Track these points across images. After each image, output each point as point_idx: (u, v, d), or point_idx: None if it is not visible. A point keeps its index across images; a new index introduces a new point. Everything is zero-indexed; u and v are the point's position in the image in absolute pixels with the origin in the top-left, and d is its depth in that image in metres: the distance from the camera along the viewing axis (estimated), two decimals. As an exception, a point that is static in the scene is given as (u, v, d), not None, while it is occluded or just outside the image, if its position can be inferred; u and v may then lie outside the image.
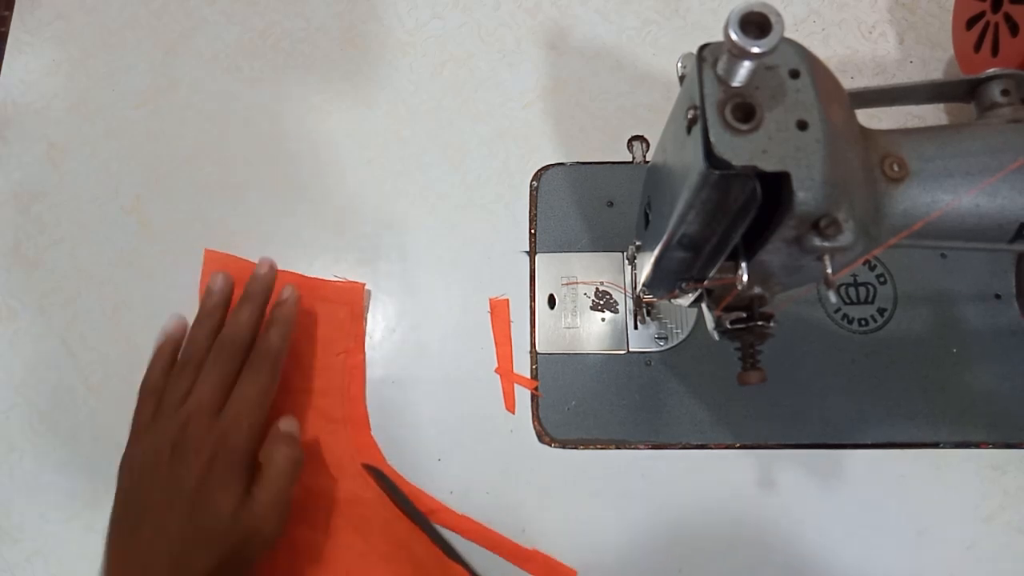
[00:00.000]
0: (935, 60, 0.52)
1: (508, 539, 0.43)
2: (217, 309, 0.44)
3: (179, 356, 0.43)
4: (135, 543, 0.38)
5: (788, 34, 0.23)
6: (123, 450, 0.46)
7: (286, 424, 0.42)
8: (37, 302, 0.50)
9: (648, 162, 0.51)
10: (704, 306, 0.35)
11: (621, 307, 0.48)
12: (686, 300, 0.36)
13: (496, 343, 0.47)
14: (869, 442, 0.45)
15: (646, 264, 0.37)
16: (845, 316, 0.47)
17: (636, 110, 0.52)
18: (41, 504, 0.46)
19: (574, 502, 0.44)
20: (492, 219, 0.50)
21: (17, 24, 0.56)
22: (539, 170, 0.51)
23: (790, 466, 0.45)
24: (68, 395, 0.48)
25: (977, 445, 0.44)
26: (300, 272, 0.49)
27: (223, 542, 0.37)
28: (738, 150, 0.24)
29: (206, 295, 0.44)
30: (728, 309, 0.32)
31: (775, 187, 0.25)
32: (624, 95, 0.52)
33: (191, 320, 0.45)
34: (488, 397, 0.46)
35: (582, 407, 0.46)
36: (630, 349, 0.47)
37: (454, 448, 0.46)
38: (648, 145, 0.51)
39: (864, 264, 0.48)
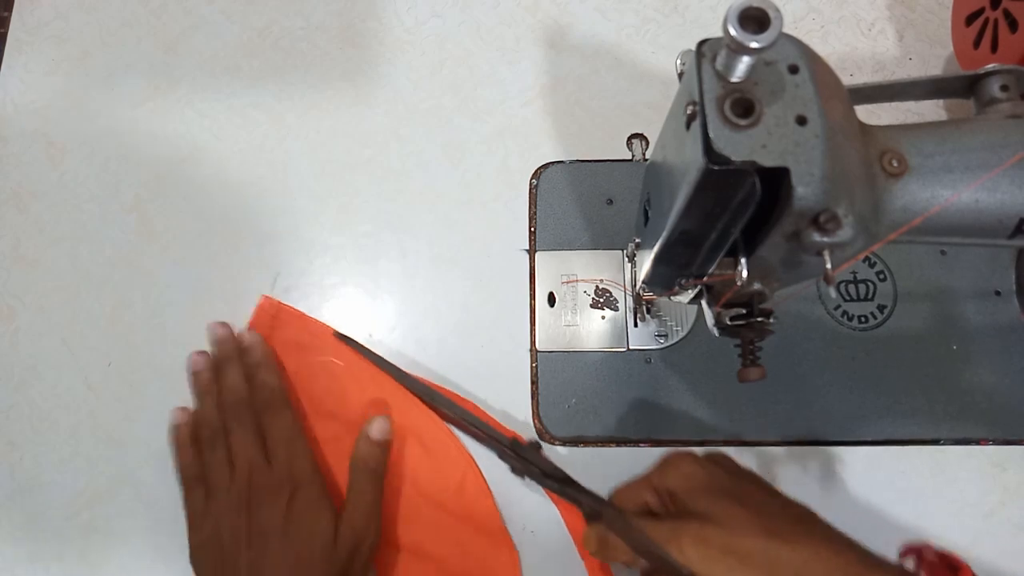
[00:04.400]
0: (934, 57, 0.52)
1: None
2: (211, 384, 0.45)
3: (200, 436, 0.44)
4: None
5: (787, 31, 0.23)
6: (122, 449, 0.46)
7: (369, 426, 0.43)
8: (37, 302, 0.50)
9: (647, 159, 0.51)
10: (704, 303, 0.35)
11: (621, 305, 0.48)
12: (686, 297, 0.36)
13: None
14: (869, 439, 0.45)
15: (646, 261, 0.37)
16: (845, 313, 0.47)
17: (635, 108, 0.52)
18: (41, 504, 0.46)
19: (575, 500, 0.44)
20: (492, 217, 0.50)
21: (17, 24, 0.56)
22: (539, 168, 0.51)
23: (790, 463, 0.45)
24: (68, 395, 0.48)
25: (977, 442, 0.44)
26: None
27: (332, 564, 0.39)
28: (737, 145, 0.24)
29: (193, 377, 0.46)
30: (728, 305, 0.32)
31: (774, 182, 0.25)
32: (623, 93, 0.52)
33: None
34: (487, 395, 0.46)
35: (582, 405, 0.46)
36: (630, 347, 0.47)
37: (454, 446, 0.46)
38: (647, 143, 0.51)
39: (864, 261, 0.48)
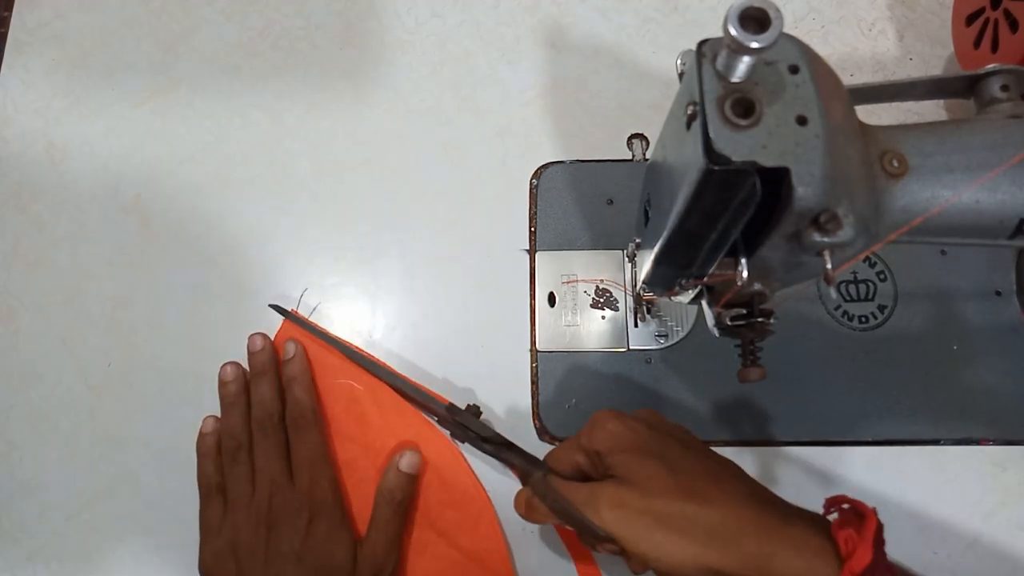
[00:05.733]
0: (935, 57, 0.52)
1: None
2: (240, 395, 0.45)
3: (223, 447, 0.44)
4: None
5: (787, 31, 0.23)
6: (122, 449, 0.47)
7: (400, 458, 0.43)
8: (37, 302, 0.50)
9: (648, 159, 0.50)
10: (704, 303, 0.35)
11: (621, 305, 0.48)
12: (686, 297, 0.36)
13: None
14: (869, 439, 0.45)
15: (646, 261, 0.37)
16: (845, 313, 0.47)
17: (635, 108, 0.52)
18: (41, 504, 0.46)
19: (575, 500, 0.44)
20: (492, 217, 0.50)
21: (17, 24, 0.56)
22: (539, 168, 0.51)
23: (790, 463, 0.45)
24: (68, 395, 0.48)
25: (978, 442, 0.44)
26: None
27: None
28: (738, 146, 0.24)
29: (221, 386, 0.45)
30: (728, 306, 0.32)
31: (775, 183, 0.25)
32: (624, 93, 0.52)
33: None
34: (487, 395, 0.46)
35: (582, 405, 0.46)
36: (630, 347, 0.47)
37: (454, 446, 0.46)
38: (648, 142, 0.51)
39: (864, 261, 0.48)
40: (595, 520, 0.33)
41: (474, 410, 0.43)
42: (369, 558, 0.40)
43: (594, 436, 0.36)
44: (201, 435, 0.45)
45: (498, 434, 0.43)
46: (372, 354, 0.47)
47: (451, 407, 0.44)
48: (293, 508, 0.41)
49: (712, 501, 0.32)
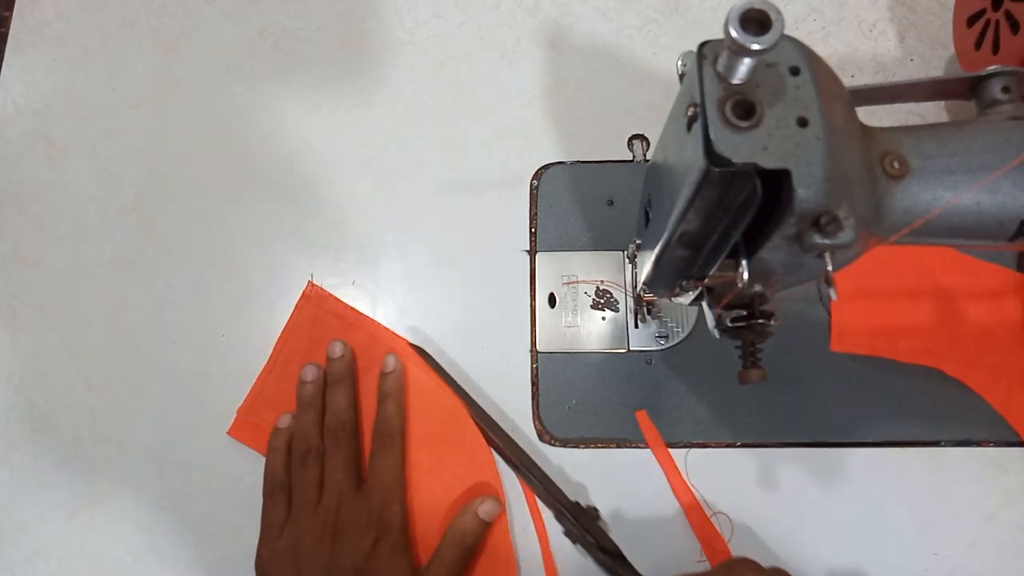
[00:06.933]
0: (936, 58, 0.52)
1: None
2: (316, 397, 0.45)
3: (293, 448, 0.44)
4: None
5: (788, 33, 0.23)
6: (121, 450, 0.46)
7: (481, 504, 0.42)
8: (37, 302, 0.50)
9: (648, 160, 0.50)
10: (705, 304, 0.35)
11: (621, 306, 0.48)
12: (687, 298, 0.36)
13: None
14: (870, 440, 0.45)
15: (646, 262, 0.37)
16: (846, 314, 0.47)
17: (636, 108, 0.52)
18: (41, 504, 0.46)
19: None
20: (492, 218, 0.50)
21: (17, 24, 0.56)
22: (539, 169, 0.51)
23: (791, 465, 0.45)
24: (68, 395, 0.48)
25: (978, 443, 0.44)
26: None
27: None
28: (738, 147, 0.24)
29: (299, 385, 0.45)
30: (729, 307, 0.32)
31: (775, 184, 0.25)
32: (624, 93, 0.52)
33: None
34: (488, 395, 0.46)
35: (583, 406, 0.46)
36: (631, 348, 0.47)
37: (454, 447, 0.45)
38: (648, 143, 0.51)
39: (865, 262, 0.48)
40: None
41: (593, 511, 0.42)
42: None
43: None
44: (275, 430, 0.45)
45: (615, 544, 0.42)
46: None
47: (576, 505, 0.42)
48: (361, 524, 0.40)
49: None
